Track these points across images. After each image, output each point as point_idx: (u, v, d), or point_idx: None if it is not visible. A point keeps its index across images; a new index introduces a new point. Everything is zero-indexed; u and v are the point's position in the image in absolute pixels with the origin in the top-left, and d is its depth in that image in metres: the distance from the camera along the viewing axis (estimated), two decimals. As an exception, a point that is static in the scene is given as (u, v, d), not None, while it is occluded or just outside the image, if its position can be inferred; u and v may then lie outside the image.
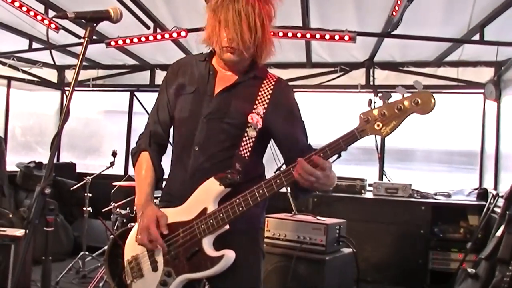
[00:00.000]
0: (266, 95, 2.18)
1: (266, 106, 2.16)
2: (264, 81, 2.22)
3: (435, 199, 5.91)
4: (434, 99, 1.81)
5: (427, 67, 6.43)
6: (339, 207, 5.75)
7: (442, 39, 5.30)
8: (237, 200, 2.03)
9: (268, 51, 2.16)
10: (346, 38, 5.02)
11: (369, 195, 6.06)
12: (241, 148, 2.13)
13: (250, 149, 2.14)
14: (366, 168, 6.71)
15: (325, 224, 4.15)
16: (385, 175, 6.55)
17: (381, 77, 6.62)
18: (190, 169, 2.18)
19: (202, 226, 2.08)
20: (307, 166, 1.90)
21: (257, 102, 2.17)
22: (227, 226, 2.06)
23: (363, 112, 1.89)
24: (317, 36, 5.12)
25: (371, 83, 6.61)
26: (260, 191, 2.00)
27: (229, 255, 2.05)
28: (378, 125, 1.86)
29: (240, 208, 2.02)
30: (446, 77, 6.37)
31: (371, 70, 6.58)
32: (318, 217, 4.40)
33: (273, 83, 2.23)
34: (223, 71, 2.24)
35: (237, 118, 2.15)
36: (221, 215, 2.05)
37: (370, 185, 6.21)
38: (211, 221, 2.06)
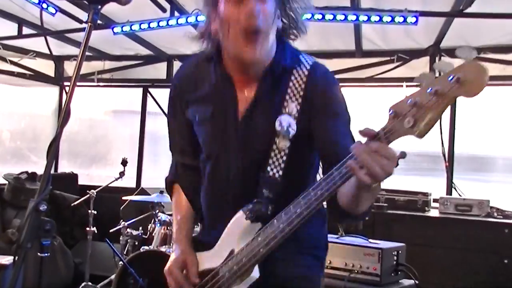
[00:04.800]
0: (300, 86, 1.99)
1: (300, 101, 1.97)
2: (294, 71, 2.01)
3: (523, 219, 5.79)
4: (486, 73, 1.42)
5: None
6: (397, 228, 5.70)
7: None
8: (259, 238, 1.87)
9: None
10: (406, 19, 4.98)
11: (434, 213, 5.99)
12: (269, 168, 1.96)
13: (282, 165, 1.95)
14: (431, 179, 6.67)
15: (379, 249, 4.12)
16: (455, 189, 6.43)
17: (450, 67, 6.52)
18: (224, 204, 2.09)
19: (227, 274, 1.96)
20: (369, 146, 1.55)
21: (288, 98, 1.98)
22: (256, 274, 1.91)
23: (393, 104, 1.55)
24: (370, 18, 5.10)
25: (438, 74, 6.50)
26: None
27: None
28: (408, 122, 1.51)
29: (261, 249, 1.86)
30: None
31: (437, 59, 6.50)
32: (370, 240, 4.39)
33: (307, 69, 2.02)
34: (238, 74, 2.04)
35: (264, 134, 1.98)
36: (243, 259, 1.91)
37: (435, 200, 6.13)
38: (235, 267, 1.94)
